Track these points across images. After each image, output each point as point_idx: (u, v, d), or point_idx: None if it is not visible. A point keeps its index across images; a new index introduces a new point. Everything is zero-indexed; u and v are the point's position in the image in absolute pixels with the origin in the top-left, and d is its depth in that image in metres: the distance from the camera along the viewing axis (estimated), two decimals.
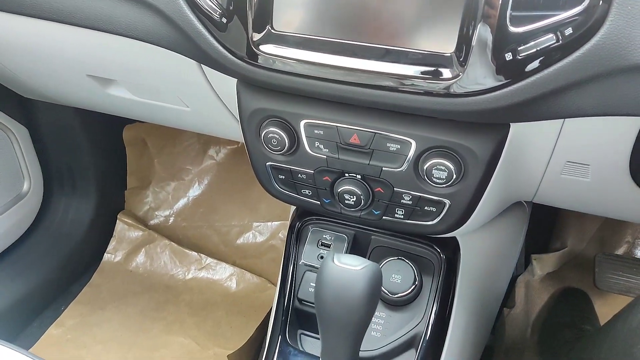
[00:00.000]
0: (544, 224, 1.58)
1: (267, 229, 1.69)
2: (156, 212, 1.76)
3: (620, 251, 1.57)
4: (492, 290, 1.17)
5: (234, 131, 0.93)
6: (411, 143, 0.73)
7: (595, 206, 0.94)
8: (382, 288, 0.89)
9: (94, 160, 1.58)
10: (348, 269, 0.64)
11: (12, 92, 1.32)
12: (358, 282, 0.63)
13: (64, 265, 1.53)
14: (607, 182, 0.79)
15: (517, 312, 1.44)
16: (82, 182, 1.59)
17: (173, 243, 1.63)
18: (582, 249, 1.58)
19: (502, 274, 1.21)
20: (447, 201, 0.77)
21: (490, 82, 0.62)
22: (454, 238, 0.93)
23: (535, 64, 0.60)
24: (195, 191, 1.78)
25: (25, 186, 1.45)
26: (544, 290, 1.51)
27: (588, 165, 0.76)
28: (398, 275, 0.90)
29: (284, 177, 0.84)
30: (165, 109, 1.05)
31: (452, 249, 0.93)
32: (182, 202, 1.77)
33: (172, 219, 1.76)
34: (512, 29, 0.59)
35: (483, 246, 1.04)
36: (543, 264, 1.51)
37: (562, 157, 0.76)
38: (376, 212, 0.82)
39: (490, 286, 1.14)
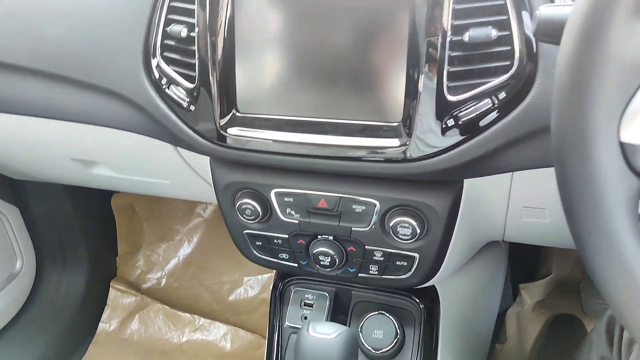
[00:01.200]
0: (528, 252, 1.61)
1: (257, 282, 1.72)
2: (148, 275, 1.79)
3: None
4: (478, 330, 1.19)
5: (214, 197, 0.98)
6: (375, 204, 0.78)
7: (562, 242, 0.98)
8: (365, 344, 0.92)
9: (84, 231, 1.61)
10: (322, 338, 0.68)
11: (2, 175, 1.36)
12: (333, 350, 0.67)
13: (59, 341, 1.53)
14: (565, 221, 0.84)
15: (510, 347, 1.46)
16: (73, 254, 1.62)
17: (166, 306, 1.65)
18: (568, 274, 1.60)
19: (487, 312, 1.24)
20: (416, 255, 0.81)
21: (436, 147, 0.67)
22: (432, 286, 0.96)
23: (475, 127, 0.66)
24: (185, 250, 1.81)
25: (18, 265, 1.48)
26: (537, 319, 1.52)
27: (544, 208, 0.81)
28: (380, 331, 0.92)
29: (260, 243, 0.89)
30: (148, 182, 1.10)
31: (430, 297, 0.96)
32: (173, 263, 1.80)
33: (164, 281, 1.78)
34: (451, 97, 0.65)
35: (462, 289, 1.07)
36: (532, 293, 1.53)
37: (519, 203, 0.81)
38: (351, 270, 0.86)
39: (475, 326, 1.17)
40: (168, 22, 0.75)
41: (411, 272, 0.83)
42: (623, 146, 0.41)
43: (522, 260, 1.44)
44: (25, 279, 1.50)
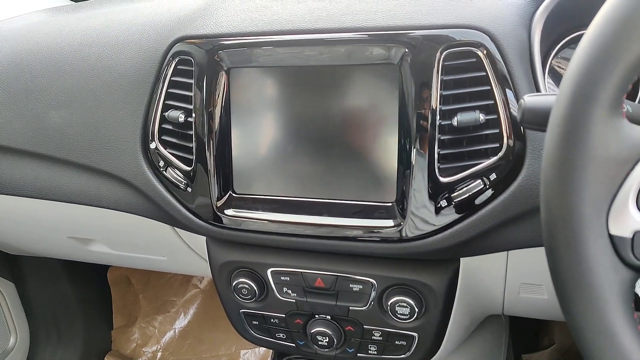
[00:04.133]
0: (529, 322, 1.58)
1: (254, 355, 1.67)
2: (143, 349, 1.74)
3: None
4: None
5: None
6: (373, 283, 0.78)
7: (562, 317, 0.97)
8: None
9: (79, 306, 1.59)
10: None
11: None
12: None
13: None
14: None
15: None
16: (68, 329, 1.59)
17: None
18: (571, 344, 1.57)
19: None
20: (415, 334, 0.80)
21: (430, 227, 0.68)
22: None
23: (468, 207, 0.67)
24: (181, 322, 1.78)
25: (12, 341, 1.45)
26: None
27: (542, 285, 0.81)
28: None
29: (257, 322, 0.88)
30: (144, 259, 1.10)
31: None
32: (168, 336, 1.76)
33: (159, 354, 1.74)
34: (443, 179, 0.66)
35: None
36: None
37: (516, 280, 0.81)
38: (350, 350, 0.85)
39: None
40: (166, 108, 0.77)
41: (411, 352, 0.82)
42: (613, 239, 0.42)
43: (524, 331, 1.41)
44: (17, 356, 1.46)
